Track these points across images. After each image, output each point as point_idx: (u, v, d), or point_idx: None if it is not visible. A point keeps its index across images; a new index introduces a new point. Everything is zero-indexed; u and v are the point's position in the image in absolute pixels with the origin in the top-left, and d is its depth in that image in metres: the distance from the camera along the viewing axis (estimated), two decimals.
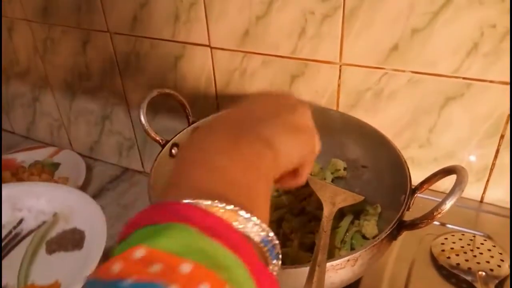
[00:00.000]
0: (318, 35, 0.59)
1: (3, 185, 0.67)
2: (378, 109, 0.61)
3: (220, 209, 0.23)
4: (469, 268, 0.51)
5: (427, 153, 0.61)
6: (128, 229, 0.23)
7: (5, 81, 1.02)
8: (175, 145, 0.56)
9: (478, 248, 0.54)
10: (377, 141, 0.55)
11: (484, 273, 0.50)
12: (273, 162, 0.29)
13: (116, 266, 0.19)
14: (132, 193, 0.86)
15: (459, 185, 0.39)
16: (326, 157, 0.61)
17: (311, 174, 0.60)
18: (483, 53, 0.51)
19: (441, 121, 0.58)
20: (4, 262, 0.60)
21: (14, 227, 0.64)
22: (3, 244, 0.62)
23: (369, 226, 0.50)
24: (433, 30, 0.53)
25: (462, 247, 0.54)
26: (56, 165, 0.93)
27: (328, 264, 0.37)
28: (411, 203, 0.45)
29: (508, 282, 0.50)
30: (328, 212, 0.48)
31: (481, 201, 0.62)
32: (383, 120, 0.60)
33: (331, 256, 0.42)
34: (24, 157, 0.96)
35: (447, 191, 0.39)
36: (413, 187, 0.46)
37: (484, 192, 0.61)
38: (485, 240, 0.55)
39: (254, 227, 0.23)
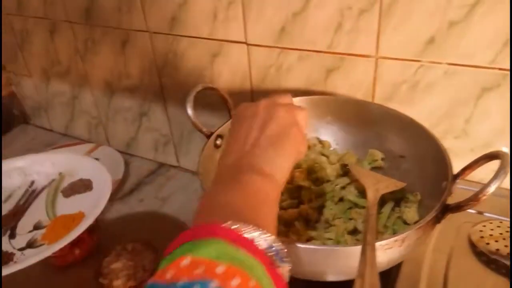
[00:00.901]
0: (355, 29, 0.61)
1: (10, 159, 0.79)
2: (414, 101, 0.62)
3: (242, 227, 0.30)
4: (509, 254, 0.52)
5: (463, 144, 0.62)
6: (175, 245, 0.30)
7: (45, 80, 1.06)
8: (219, 136, 0.59)
9: None
10: (415, 132, 0.56)
11: None
12: (271, 183, 0.37)
13: (170, 273, 0.27)
14: (169, 186, 0.89)
15: (503, 168, 0.40)
16: (364, 149, 0.63)
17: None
18: None
19: (477, 112, 0.59)
20: (30, 208, 0.72)
21: (29, 186, 0.77)
22: (23, 198, 0.74)
23: (410, 212, 0.52)
24: (470, 23, 0.54)
25: (501, 234, 0.55)
26: None
27: (377, 244, 0.39)
28: (453, 188, 0.46)
29: None
30: (372, 197, 0.50)
31: None
32: (418, 112, 0.61)
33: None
34: None
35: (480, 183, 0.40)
36: (454, 173, 0.48)
37: None
38: None
39: (266, 239, 0.31)
